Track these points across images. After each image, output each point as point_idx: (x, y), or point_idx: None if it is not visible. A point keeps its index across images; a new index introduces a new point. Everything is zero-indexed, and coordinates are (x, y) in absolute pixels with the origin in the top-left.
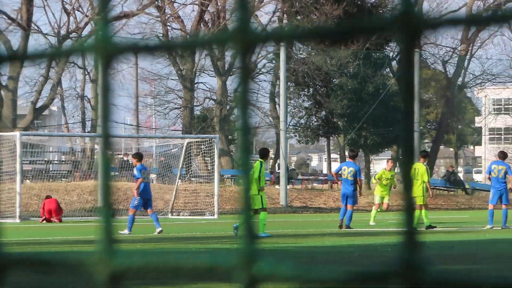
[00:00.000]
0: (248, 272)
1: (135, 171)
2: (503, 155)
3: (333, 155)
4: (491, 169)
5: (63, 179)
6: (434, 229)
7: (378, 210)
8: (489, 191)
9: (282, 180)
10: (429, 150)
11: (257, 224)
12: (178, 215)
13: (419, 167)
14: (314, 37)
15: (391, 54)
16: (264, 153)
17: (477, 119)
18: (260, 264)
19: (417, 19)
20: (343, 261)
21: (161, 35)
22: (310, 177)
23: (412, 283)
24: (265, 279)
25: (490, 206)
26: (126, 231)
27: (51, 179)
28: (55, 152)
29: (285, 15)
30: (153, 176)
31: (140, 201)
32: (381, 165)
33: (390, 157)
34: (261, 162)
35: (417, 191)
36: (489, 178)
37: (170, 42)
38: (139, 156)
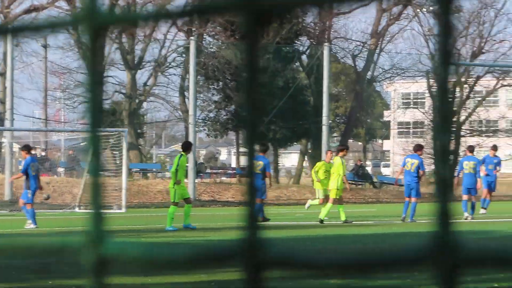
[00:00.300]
0: (96, 252)
1: (23, 164)
2: (417, 148)
3: (242, 149)
4: (405, 162)
5: None
6: (350, 223)
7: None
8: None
9: (191, 173)
10: (337, 144)
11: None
12: (85, 209)
13: (335, 160)
14: (161, 18)
15: (300, 48)
16: (185, 146)
17: (386, 113)
18: (108, 244)
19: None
20: None
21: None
22: (219, 170)
23: (253, 263)
24: (113, 258)
25: (406, 199)
26: (32, 226)
27: None
28: None
29: None
30: (61, 169)
31: (32, 193)
32: (289, 159)
33: (329, 149)
34: (181, 155)
35: (332, 184)
36: (402, 171)
37: (16, 26)
38: (27, 148)
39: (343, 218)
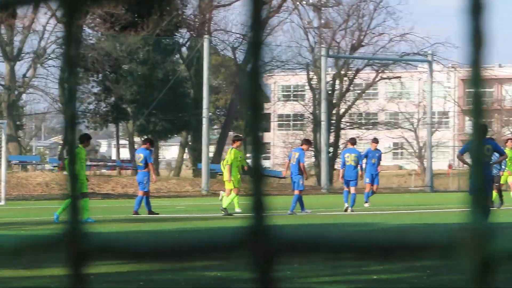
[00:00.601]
0: None
1: None
2: (303, 142)
3: (122, 141)
4: (291, 156)
5: None
6: (230, 215)
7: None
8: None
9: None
10: (218, 136)
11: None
12: None
13: (229, 151)
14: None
15: (180, 41)
16: (82, 138)
17: (266, 105)
18: None
19: None
20: None
21: None
22: (99, 163)
23: (78, 249)
24: None
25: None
26: None
27: None
28: None
29: None
30: None
31: None
32: (170, 151)
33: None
34: (77, 147)
35: (227, 175)
36: (288, 165)
37: None
38: None
39: (224, 205)
